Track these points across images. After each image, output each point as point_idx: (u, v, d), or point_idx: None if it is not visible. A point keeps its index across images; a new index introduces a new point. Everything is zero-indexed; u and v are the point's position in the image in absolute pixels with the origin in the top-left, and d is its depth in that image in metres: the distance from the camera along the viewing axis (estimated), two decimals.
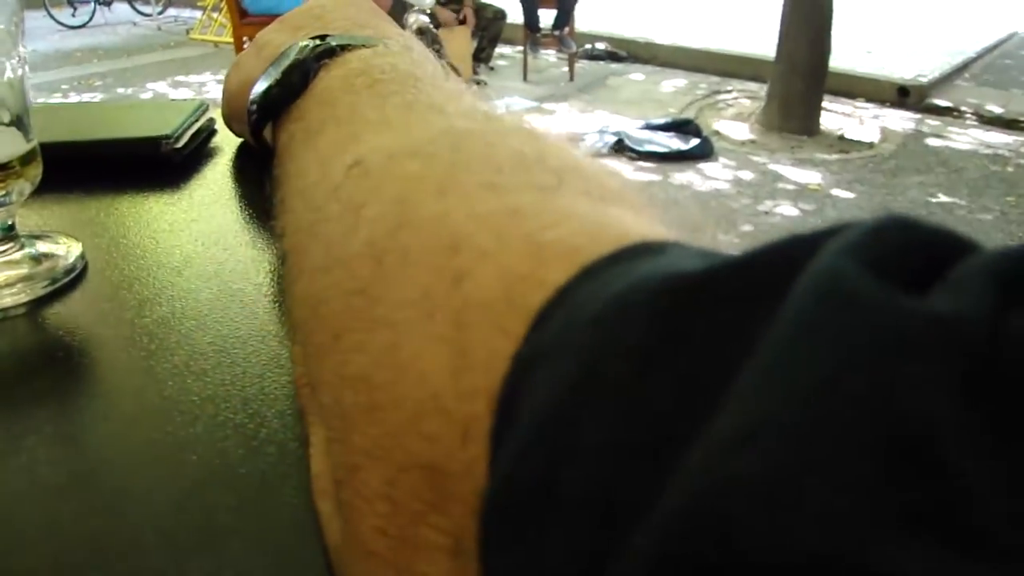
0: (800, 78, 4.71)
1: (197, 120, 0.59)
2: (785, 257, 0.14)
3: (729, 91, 5.57)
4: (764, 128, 4.75)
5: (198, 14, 7.53)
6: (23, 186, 0.40)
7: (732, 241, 3.33)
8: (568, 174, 0.24)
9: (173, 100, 0.70)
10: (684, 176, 4.05)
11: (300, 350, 0.27)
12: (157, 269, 0.43)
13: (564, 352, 0.16)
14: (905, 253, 0.13)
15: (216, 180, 0.55)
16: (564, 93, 5.39)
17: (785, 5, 4.74)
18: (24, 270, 0.40)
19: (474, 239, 0.20)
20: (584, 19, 5.98)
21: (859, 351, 0.11)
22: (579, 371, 0.15)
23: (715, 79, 5.86)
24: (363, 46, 0.43)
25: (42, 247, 0.42)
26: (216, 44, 6.77)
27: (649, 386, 0.14)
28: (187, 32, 7.49)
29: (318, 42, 0.43)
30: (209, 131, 0.60)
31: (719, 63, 6.09)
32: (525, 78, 5.61)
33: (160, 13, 8.86)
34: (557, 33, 5.74)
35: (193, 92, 5.49)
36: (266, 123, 0.44)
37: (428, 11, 4.92)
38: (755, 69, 5.55)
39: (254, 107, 0.45)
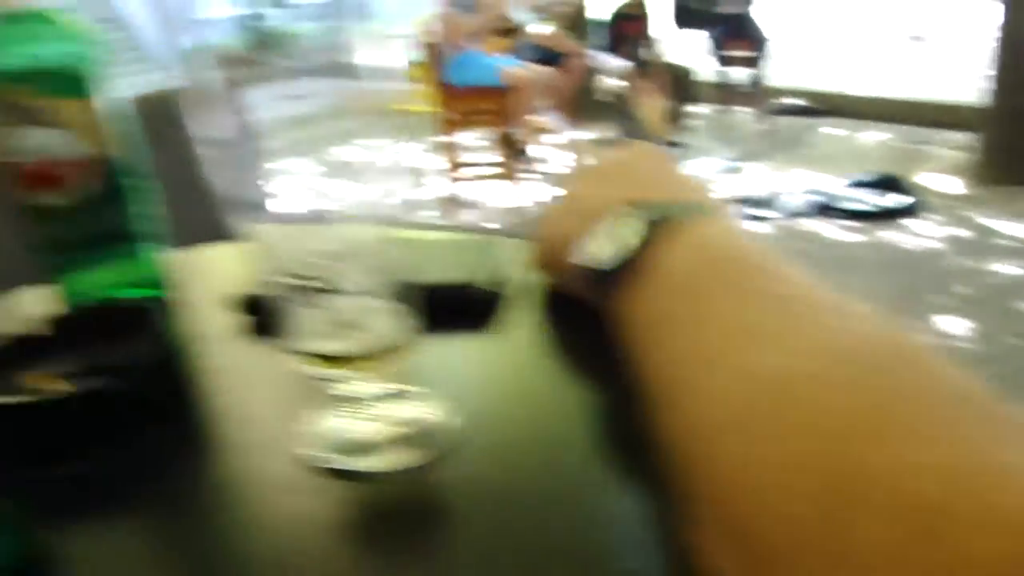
0: (1013, 125, 4.47)
1: (499, 259, 0.64)
2: None
3: (935, 143, 5.34)
4: (975, 180, 4.52)
5: (396, 84, 7.88)
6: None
7: (946, 303, 3.18)
8: (970, 406, 0.27)
9: (469, 237, 0.76)
10: (891, 235, 3.90)
11: (730, 562, 0.29)
12: (497, 423, 0.49)
13: None
14: None
15: (526, 324, 0.60)
16: (760, 151, 5.31)
17: (995, 50, 4.52)
18: (401, 432, 0.46)
19: (937, 499, 0.23)
20: (778, 74, 5.90)
21: None
22: None
23: (919, 131, 5.63)
24: (689, 215, 0.46)
25: (410, 408, 0.48)
26: (414, 113, 7.08)
27: None
28: (386, 102, 7.85)
29: (648, 212, 0.46)
30: (509, 271, 0.65)
31: (922, 113, 5.85)
32: (719, 137, 5.57)
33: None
34: (750, 89, 5.70)
35: (394, 157, 5.79)
36: (603, 288, 0.48)
37: (620, 76, 5.00)
38: (961, 118, 5.29)
39: (588, 272, 0.49)
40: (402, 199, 4.89)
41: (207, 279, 0.73)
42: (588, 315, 0.53)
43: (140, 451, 0.50)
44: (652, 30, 5.41)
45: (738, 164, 5.08)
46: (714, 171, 5.00)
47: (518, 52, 4.67)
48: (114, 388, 0.50)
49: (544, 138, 4.84)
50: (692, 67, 5.52)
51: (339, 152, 6.02)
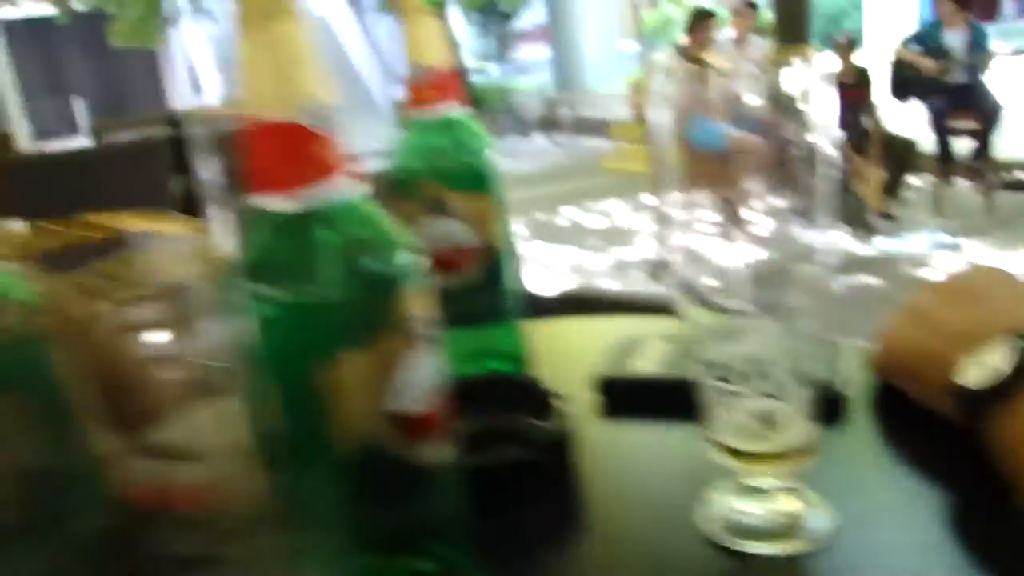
0: None
1: (844, 359, 0.68)
2: None
3: None
4: None
5: (607, 143, 8.00)
6: None
7: None
8: None
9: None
10: None
11: None
12: (862, 522, 0.53)
13: None
14: None
15: (872, 425, 0.64)
16: (981, 228, 5.08)
17: None
18: (788, 522, 0.52)
19: None
20: (1005, 146, 5.60)
21: None
22: None
23: None
24: None
25: (796, 501, 0.53)
26: (628, 173, 7.16)
27: None
28: (599, 161, 7.97)
29: None
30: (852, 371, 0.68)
31: None
32: (937, 211, 5.36)
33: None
34: (974, 162, 5.45)
35: (607, 219, 5.91)
36: (978, 410, 0.52)
37: (838, 145, 4.93)
38: None
39: (963, 392, 0.53)
40: (618, 262, 5.00)
41: (561, 354, 0.82)
42: (927, 419, 0.58)
43: (537, 518, 0.57)
44: (874, 98, 5.29)
45: (956, 241, 4.88)
46: (929, 247, 4.82)
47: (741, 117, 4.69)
48: (524, 457, 0.58)
49: (761, 204, 4.82)
50: (914, 138, 5.35)
51: (557, 213, 6.21)
